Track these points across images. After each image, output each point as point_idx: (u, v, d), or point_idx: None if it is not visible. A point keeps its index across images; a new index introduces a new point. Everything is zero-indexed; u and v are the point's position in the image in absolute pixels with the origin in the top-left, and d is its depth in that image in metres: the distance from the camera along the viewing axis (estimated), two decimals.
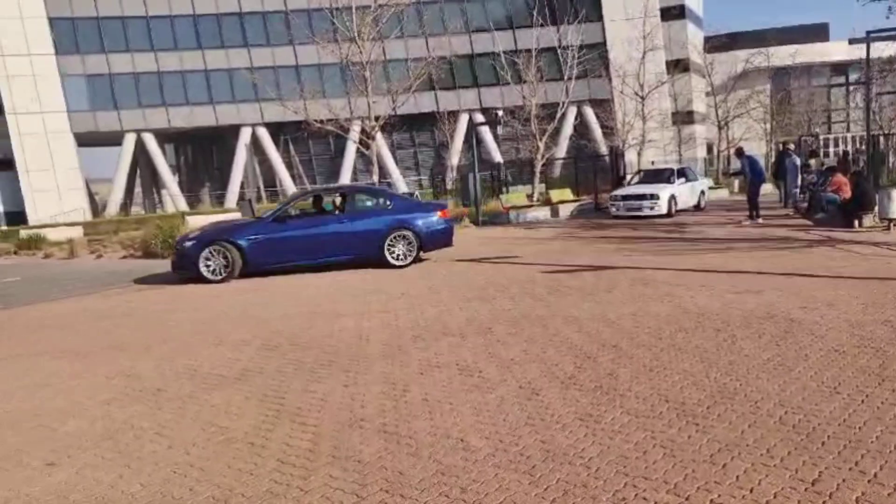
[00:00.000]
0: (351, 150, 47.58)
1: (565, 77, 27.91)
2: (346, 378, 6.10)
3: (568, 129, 44.40)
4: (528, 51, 27.37)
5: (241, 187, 48.97)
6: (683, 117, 43.49)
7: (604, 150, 44.00)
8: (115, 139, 49.62)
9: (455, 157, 47.80)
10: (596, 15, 47.80)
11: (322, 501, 3.82)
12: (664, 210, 20.43)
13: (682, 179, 22.30)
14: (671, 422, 4.56)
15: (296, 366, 6.66)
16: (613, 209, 21.56)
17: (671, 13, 48.90)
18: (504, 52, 29.30)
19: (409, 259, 13.88)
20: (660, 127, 37.81)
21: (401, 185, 47.35)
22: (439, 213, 14.46)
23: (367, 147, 20.97)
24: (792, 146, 27.66)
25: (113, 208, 49.01)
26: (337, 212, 14.87)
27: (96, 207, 50.69)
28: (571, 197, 26.62)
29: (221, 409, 5.50)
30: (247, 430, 5.00)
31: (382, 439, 4.61)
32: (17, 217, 45.83)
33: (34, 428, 5.40)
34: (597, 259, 12.68)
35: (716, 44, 45.08)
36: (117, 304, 11.56)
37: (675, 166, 23.98)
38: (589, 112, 47.56)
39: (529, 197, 26.09)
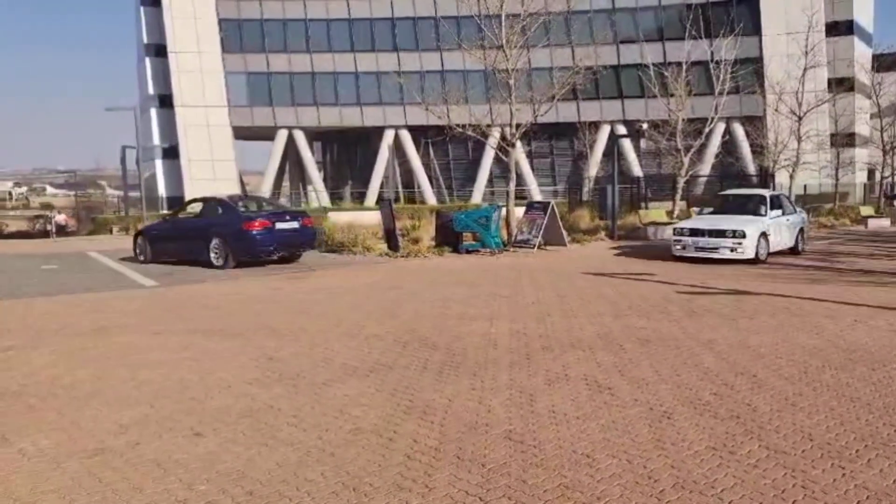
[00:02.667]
0: (489, 156, 47.92)
1: (716, 92, 26.77)
2: (472, 381, 6.17)
3: (714, 145, 42.61)
4: (678, 63, 26.50)
5: (381, 187, 50.47)
6: (843, 139, 40.59)
7: (752, 169, 41.98)
8: (268, 134, 52.50)
9: (593, 168, 47.06)
10: (753, 28, 45.63)
11: (446, 500, 3.89)
12: (750, 253, 15.27)
13: (777, 212, 16.73)
14: (815, 462, 4.30)
15: (424, 364, 6.80)
16: (677, 247, 16.08)
17: (838, 29, 45.96)
18: (653, 64, 28.46)
19: (222, 262, 15.64)
20: (816, 149, 35.50)
21: (535, 194, 47.21)
22: (244, 224, 15.64)
23: (506, 154, 21.03)
24: None
25: None
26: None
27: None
28: None
29: (353, 400, 5.70)
30: (376, 422, 5.16)
31: (508, 446, 4.62)
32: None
33: (185, 399, 5.82)
34: (739, 283, 12.12)
35: (885, 62, 41.88)
36: (264, 290, 12.25)
37: (768, 193, 18.02)
38: (738, 129, 45.49)
39: (669, 214, 25.21)
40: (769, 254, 15.91)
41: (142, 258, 17.24)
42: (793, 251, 17.31)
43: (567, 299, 10.63)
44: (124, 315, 10.03)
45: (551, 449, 4.56)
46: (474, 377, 6.31)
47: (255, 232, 15.58)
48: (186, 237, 16.64)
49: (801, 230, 17.92)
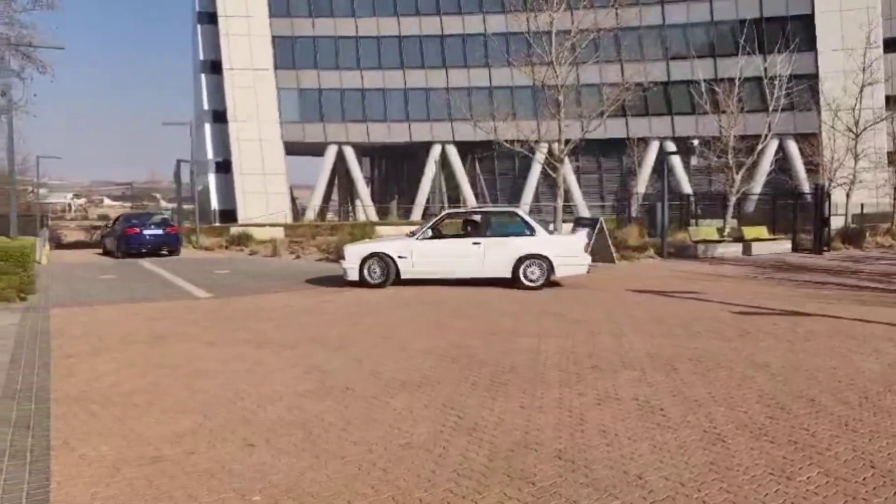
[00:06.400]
0: (535, 171, 47.86)
1: (769, 109, 26.34)
2: (522, 399, 6.15)
3: (767, 163, 41.81)
4: (731, 80, 26.18)
5: (427, 202, 50.76)
6: None
7: (806, 188, 41.04)
8: (317, 150, 53.29)
9: (642, 185, 46.61)
10: (809, 44, 44.79)
11: None
12: (353, 275, 14.30)
13: (427, 233, 14.75)
14: (876, 490, 4.17)
15: (472, 380, 6.80)
16: None
17: None
18: (704, 80, 28.14)
19: (116, 253, 25.96)
20: (873, 167, 34.60)
21: (583, 209, 46.97)
22: (125, 230, 26.28)
23: (554, 170, 20.97)
24: None
25: (311, 213, 52.61)
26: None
27: (297, 211, 54.57)
28: (767, 235, 25.05)
29: (402, 414, 5.74)
30: (425, 437, 5.18)
31: (558, 465, 4.60)
32: (228, 215, 50.46)
33: (239, 409, 5.93)
34: (794, 303, 11.84)
35: None
36: (314, 303, 12.42)
37: (448, 211, 16.24)
38: (792, 147, 44.59)
39: (720, 231, 24.82)
40: (401, 281, 14.33)
41: (101, 251, 29.16)
42: (512, 282, 14.20)
43: (616, 317, 10.52)
44: (180, 325, 10.27)
45: (602, 469, 4.52)
46: (524, 395, 6.29)
47: (130, 234, 26.10)
48: (110, 238, 28.00)
49: (536, 259, 14.17)
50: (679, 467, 4.54)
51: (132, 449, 4.98)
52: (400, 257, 14.38)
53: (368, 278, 14.30)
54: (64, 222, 75.75)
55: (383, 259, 14.36)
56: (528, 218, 15.18)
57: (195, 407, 6.00)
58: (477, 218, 15.92)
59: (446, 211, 15.71)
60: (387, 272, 14.30)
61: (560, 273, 14.33)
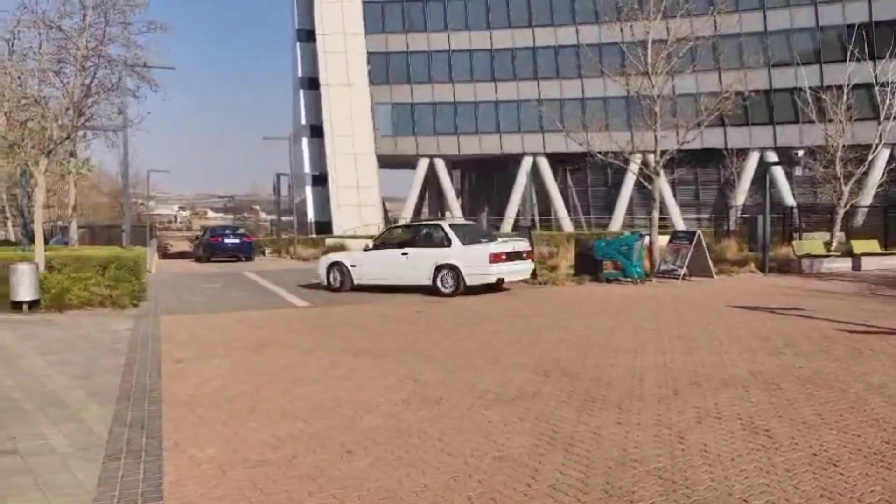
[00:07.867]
0: (629, 183, 46.98)
1: (881, 117, 24.94)
2: (618, 415, 6.04)
3: (878, 174, 39.69)
4: (838, 87, 24.95)
5: (518, 214, 50.60)
6: None
7: None
8: (409, 163, 54.10)
9: (741, 196, 44.95)
10: None
11: None
12: (324, 280, 16.70)
13: (366, 245, 17.30)
14: None
15: (567, 394, 6.72)
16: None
17: None
18: (809, 88, 26.93)
19: (203, 258, 32.91)
20: None
21: (678, 222, 45.75)
22: (209, 238, 33.79)
23: (649, 181, 20.53)
24: None
25: None
26: None
27: (388, 223, 55.55)
28: (878, 250, 23.69)
29: (497, 427, 5.73)
30: (520, 450, 5.15)
31: (658, 484, 4.48)
32: (324, 227, 51.88)
33: (337, 416, 6.07)
34: None
35: None
36: (407, 313, 12.60)
37: (391, 226, 17.95)
38: None
39: (827, 246, 23.64)
40: (354, 287, 16.18)
41: (194, 258, 35.18)
42: (434, 290, 15.32)
43: (716, 334, 10.19)
44: (280, 332, 10.62)
45: (704, 490, 4.38)
46: (620, 411, 6.17)
47: (213, 242, 33.28)
48: (200, 245, 34.84)
49: (447, 268, 15.27)
50: (788, 491, 4.34)
51: (237, 452, 5.17)
52: (352, 266, 16.44)
53: (332, 283, 16.50)
54: (170, 233, 79.64)
55: (341, 267, 16.48)
56: (448, 230, 16.02)
57: (296, 413, 6.18)
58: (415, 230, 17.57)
59: (390, 225, 17.83)
60: (343, 278, 16.38)
61: (469, 282, 15.24)
